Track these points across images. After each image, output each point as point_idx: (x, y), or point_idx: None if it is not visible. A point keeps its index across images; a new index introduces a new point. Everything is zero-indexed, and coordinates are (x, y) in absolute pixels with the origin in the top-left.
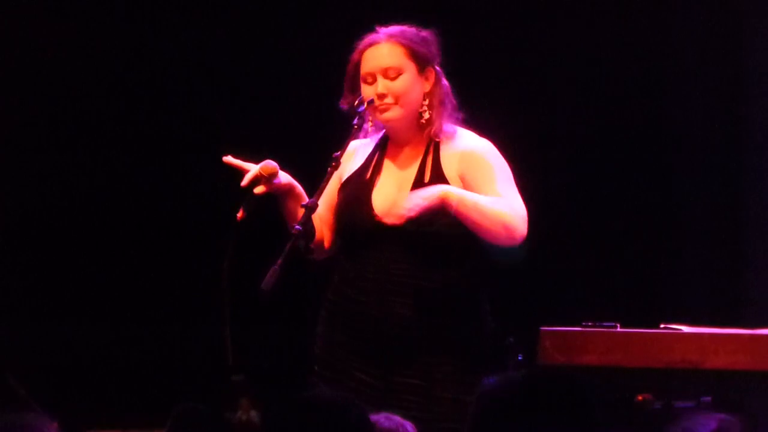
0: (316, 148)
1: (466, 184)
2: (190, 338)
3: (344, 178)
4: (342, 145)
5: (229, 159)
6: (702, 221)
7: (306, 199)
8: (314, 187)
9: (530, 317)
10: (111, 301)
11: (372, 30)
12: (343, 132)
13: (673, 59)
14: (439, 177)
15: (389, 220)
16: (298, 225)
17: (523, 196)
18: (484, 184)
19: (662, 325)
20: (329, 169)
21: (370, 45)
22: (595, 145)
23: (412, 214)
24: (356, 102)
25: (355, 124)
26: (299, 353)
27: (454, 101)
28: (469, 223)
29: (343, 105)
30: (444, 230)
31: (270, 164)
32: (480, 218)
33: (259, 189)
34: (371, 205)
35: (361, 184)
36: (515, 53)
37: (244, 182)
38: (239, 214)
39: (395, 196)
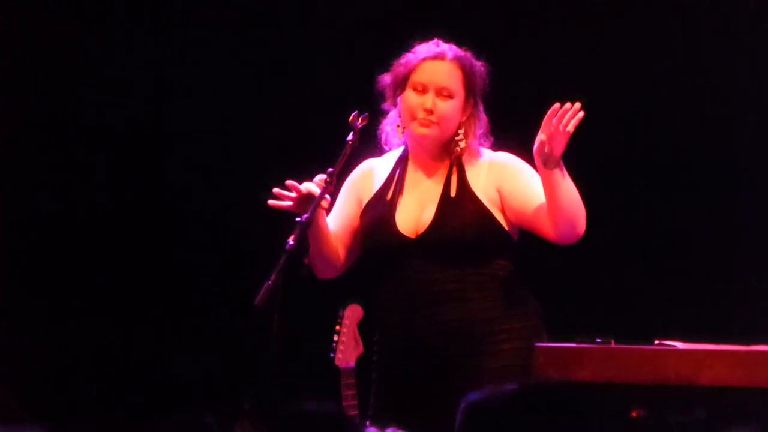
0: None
1: (506, 194)
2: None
3: (365, 201)
4: (337, 161)
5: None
6: (696, 236)
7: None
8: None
9: None
10: (108, 306)
11: (431, 40)
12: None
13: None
14: (466, 191)
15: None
16: (292, 241)
17: None
18: (530, 188)
19: (657, 341)
20: (324, 184)
21: (434, 58)
22: (590, 165)
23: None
24: (351, 117)
25: (350, 141)
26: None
27: (488, 131)
28: (559, 198)
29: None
30: (470, 231)
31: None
32: (572, 196)
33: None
34: (395, 225)
35: (383, 206)
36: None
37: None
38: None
39: (419, 214)
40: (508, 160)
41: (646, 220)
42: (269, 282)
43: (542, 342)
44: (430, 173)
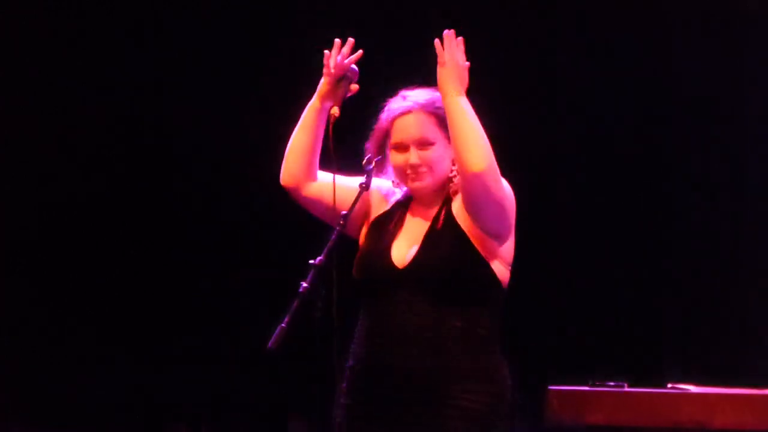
0: None
1: (457, 198)
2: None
3: (373, 215)
4: (351, 204)
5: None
6: (708, 279)
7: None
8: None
9: (538, 376)
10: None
11: (396, 94)
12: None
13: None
14: (450, 222)
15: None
16: (305, 284)
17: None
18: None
19: (670, 385)
20: (337, 228)
21: (403, 114)
22: (596, 200)
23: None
24: (364, 161)
25: (363, 184)
26: None
27: None
28: (455, 126)
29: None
30: (448, 260)
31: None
32: (472, 125)
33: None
34: (390, 256)
35: (385, 234)
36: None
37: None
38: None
39: (411, 246)
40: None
41: (659, 265)
42: (282, 325)
43: (504, 410)
44: (428, 209)
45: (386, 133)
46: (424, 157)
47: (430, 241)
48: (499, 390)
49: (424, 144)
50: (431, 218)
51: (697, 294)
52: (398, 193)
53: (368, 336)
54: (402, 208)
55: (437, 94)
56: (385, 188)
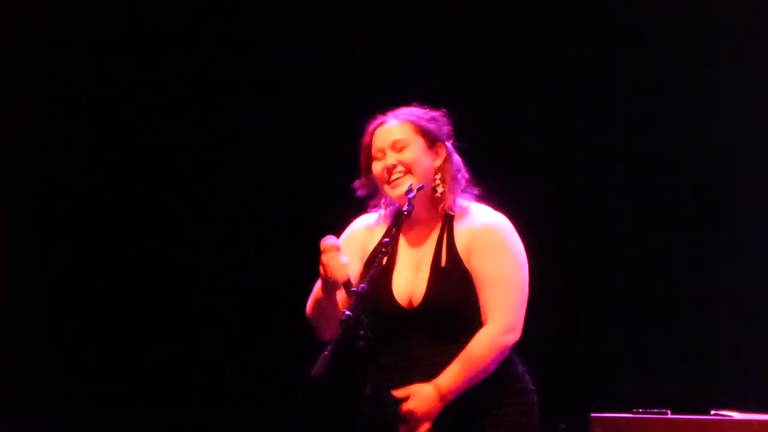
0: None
1: (471, 259)
2: None
3: (365, 258)
4: (392, 234)
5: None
6: (753, 305)
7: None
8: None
9: (581, 403)
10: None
11: (382, 112)
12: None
13: None
14: (454, 258)
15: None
16: (348, 311)
17: (546, 279)
18: (486, 265)
19: (713, 412)
20: (379, 255)
21: (380, 125)
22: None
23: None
24: (406, 190)
25: (406, 211)
26: None
27: (467, 176)
28: (475, 382)
29: (361, 191)
30: (463, 305)
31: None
32: (479, 376)
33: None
34: (393, 294)
35: (380, 270)
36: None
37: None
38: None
39: (414, 279)
40: (489, 225)
41: (703, 291)
42: (326, 353)
43: (533, 423)
44: (423, 233)
45: (368, 150)
46: (399, 157)
47: (435, 280)
48: (519, 403)
49: (398, 146)
50: (431, 248)
51: (741, 320)
52: (383, 222)
53: (385, 370)
54: (394, 235)
55: (419, 109)
56: (364, 222)
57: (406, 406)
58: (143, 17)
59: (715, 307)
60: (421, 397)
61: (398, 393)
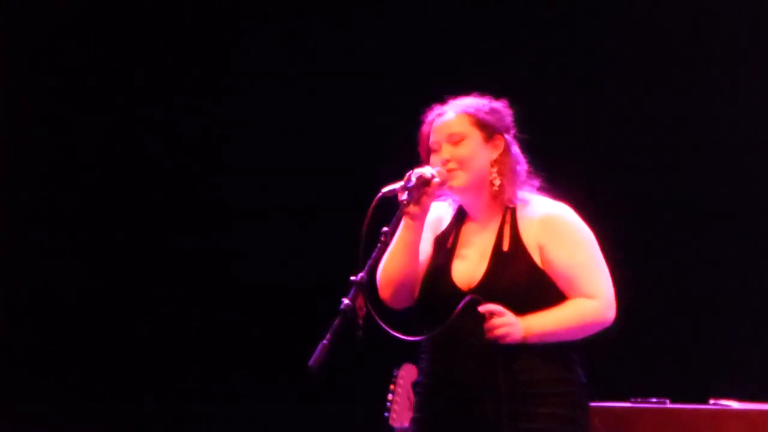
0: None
1: (544, 253)
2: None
3: (433, 236)
4: (392, 222)
5: None
6: (752, 293)
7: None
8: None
9: None
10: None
11: (442, 101)
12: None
13: None
14: (518, 244)
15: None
16: (347, 300)
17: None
18: (564, 254)
19: (712, 401)
20: (379, 245)
21: (438, 116)
22: (646, 217)
23: (502, 336)
24: (405, 179)
25: (405, 201)
26: None
27: (527, 168)
28: (560, 339)
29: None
30: (521, 288)
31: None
32: (567, 334)
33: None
34: (451, 276)
35: (443, 254)
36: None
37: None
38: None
39: (473, 267)
40: (555, 214)
41: (701, 279)
42: (324, 342)
43: (583, 412)
44: (484, 224)
45: (426, 142)
46: (453, 152)
47: (497, 263)
48: (571, 391)
49: (454, 139)
50: (493, 235)
51: (741, 309)
52: (451, 210)
53: (438, 353)
54: (457, 224)
55: (479, 100)
56: (442, 208)
57: (487, 309)
58: (143, 17)
59: (714, 296)
60: (508, 315)
61: (483, 308)
